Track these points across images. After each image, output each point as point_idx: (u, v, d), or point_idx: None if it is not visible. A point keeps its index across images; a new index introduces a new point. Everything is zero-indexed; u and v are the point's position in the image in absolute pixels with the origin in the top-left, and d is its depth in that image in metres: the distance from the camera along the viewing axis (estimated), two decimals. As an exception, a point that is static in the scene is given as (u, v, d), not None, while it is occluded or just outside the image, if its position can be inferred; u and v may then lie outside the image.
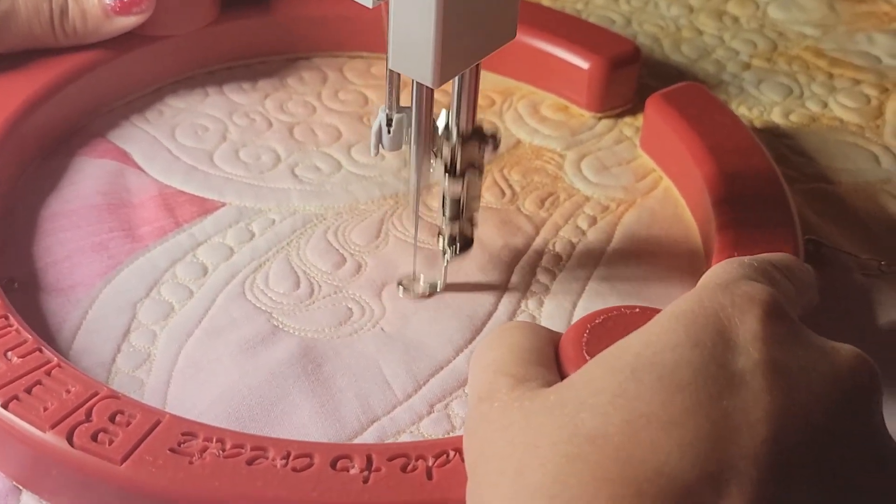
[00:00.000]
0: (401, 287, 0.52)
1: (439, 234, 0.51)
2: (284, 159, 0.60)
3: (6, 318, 0.46)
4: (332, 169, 0.59)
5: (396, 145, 0.48)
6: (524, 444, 0.35)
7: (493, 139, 0.49)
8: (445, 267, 0.52)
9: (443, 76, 0.43)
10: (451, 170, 0.49)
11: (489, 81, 0.66)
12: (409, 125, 0.48)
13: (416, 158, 0.48)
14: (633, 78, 0.64)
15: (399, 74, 0.46)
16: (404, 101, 0.48)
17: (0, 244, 0.53)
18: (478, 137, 0.49)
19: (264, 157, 0.60)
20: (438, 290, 0.52)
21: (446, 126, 0.48)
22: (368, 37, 0.66)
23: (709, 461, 0.33)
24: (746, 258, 0.41)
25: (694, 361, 0.34)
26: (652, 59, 0.69)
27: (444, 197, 0.50)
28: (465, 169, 0.49)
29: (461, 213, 0.50)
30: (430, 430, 0.47)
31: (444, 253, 0.51)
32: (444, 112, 0.48)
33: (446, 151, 0.49)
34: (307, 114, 0.63)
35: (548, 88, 0.65)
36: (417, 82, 0.45)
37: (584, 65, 0.62)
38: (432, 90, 0.46)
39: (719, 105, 0.60)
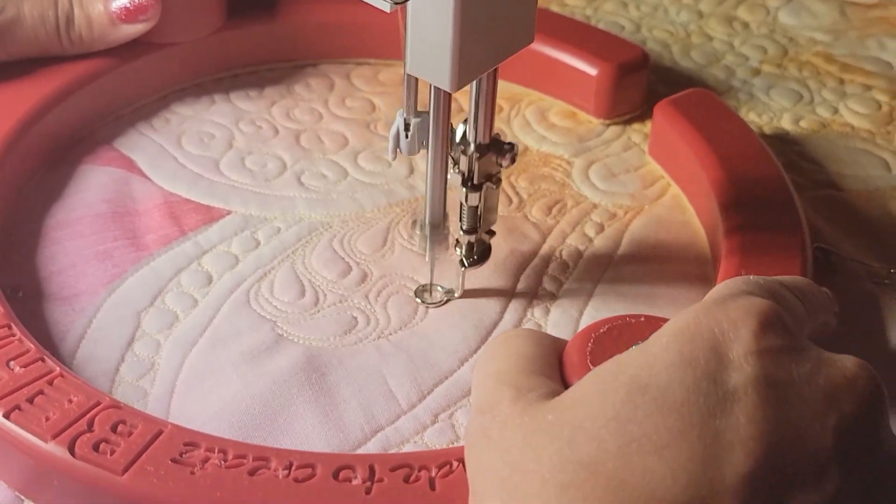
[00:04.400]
0: (417, 297, 0.52)
1: (457, 244, 0.51)
2: (290, 167, 0.59)
3: (9, 327, 0.46)
4: (338, 176, 0.59)
5: (414, 149, 0.49)
6: (522, 471, 0.35)
7: (510, 150, 0.49)
8: (462, 277, 0.52)
9: (461, 80, 0.43)
10: (468, 182, 0.49)
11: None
12: (427, 129, 0.48)
13: (432, 163, 0.48)
14: (642, 84, 0.63)
15: (417, 79, 0.46)
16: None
17: (4, 253, 0.52)
18: (495, 149, 0.49)
19: (270, 165, 0.59)
20: (456, 295, 0.52)
21: (463, 137, 0.48)
22: (375, 43, 0.66)
23: (700, 483, 0.33)
24: (755, 277, 0.41)
25: (686, 380, 0.34)
26: (661, 65, 0.69)
27: (461, 208, 0.50)
28: (483, 181, 0.49)
29: (479, 225, 0.50)
30: (434, 440, 0.46)
31: (462, 264, 0.51)
32: (461, 124, 0.48)
33: (464, 164, 0.48)
34: (314, 121, 0.63)
35: (556, 95, 0.65)
36: (435, 86, 0.45)
37: (592, 71, 0.62)
38: (450, 94, 0.46)
39: (727, 111, 0.60)
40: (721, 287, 0.39)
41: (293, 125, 0.62)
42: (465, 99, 0.48)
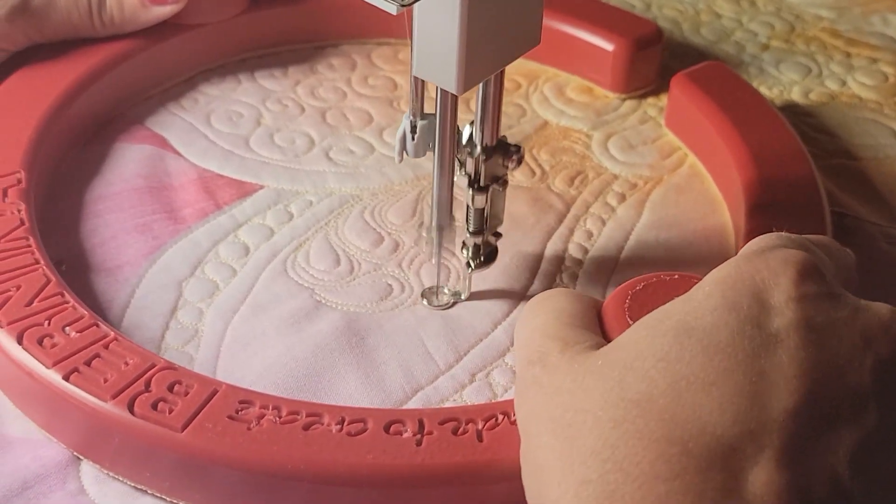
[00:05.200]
0: (424, 298, 0.53)
1: (463, 246, 0.52)
2: (318, 143, 0.61)
3: (62, 294, 0.47)
4: (365, 152, 0.61)
5: (421, 152, 0.49)
6: (574, 409, 0.36)
7: (516, 152, 0.49)
8: (469, 278, 0.52)
9: (467, 83, 0.43)
10: (475, 183, 0.49)
11: (514, 65, 0.66)
12: (433, 132, 0.48)
13: (438, 165, 0.49)
14: (656, 59, 0.65)
15: (423, 81, 0.46)
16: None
17: (47, 227, 0.54)
18: (501, 151, 0.49)
19: (299, 142, 0.61)
20: (462, 298, 0.53)
21: (470, 139, 0.49)
22: (394, 24, 0.67)
23: (749, 417, 0.34)
24: (786, 233, 0.43)
25: (731, 324, 0.36)
26: (672, 42, 0.71)
27: (468, 210, 0.50)
28: (489, 182, 0.49)
29: (485, 227, 0.51)
30: (472, 397, 0.48)
31: (468, 266, 0.52)
32: (467, 126, 0.49)
33: (470, 165, 0.49)
34: (338, 99, 0.64)
35: (572, 70, 0.66)
36: (441, 89, 0.46)
37: (608, 46, 0.64)
38: (456, 97, 0.46)
39: (742, 83, 0.61)
40: (756, 241, 0.41)
41: (318, 103, 0.64)
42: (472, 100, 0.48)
